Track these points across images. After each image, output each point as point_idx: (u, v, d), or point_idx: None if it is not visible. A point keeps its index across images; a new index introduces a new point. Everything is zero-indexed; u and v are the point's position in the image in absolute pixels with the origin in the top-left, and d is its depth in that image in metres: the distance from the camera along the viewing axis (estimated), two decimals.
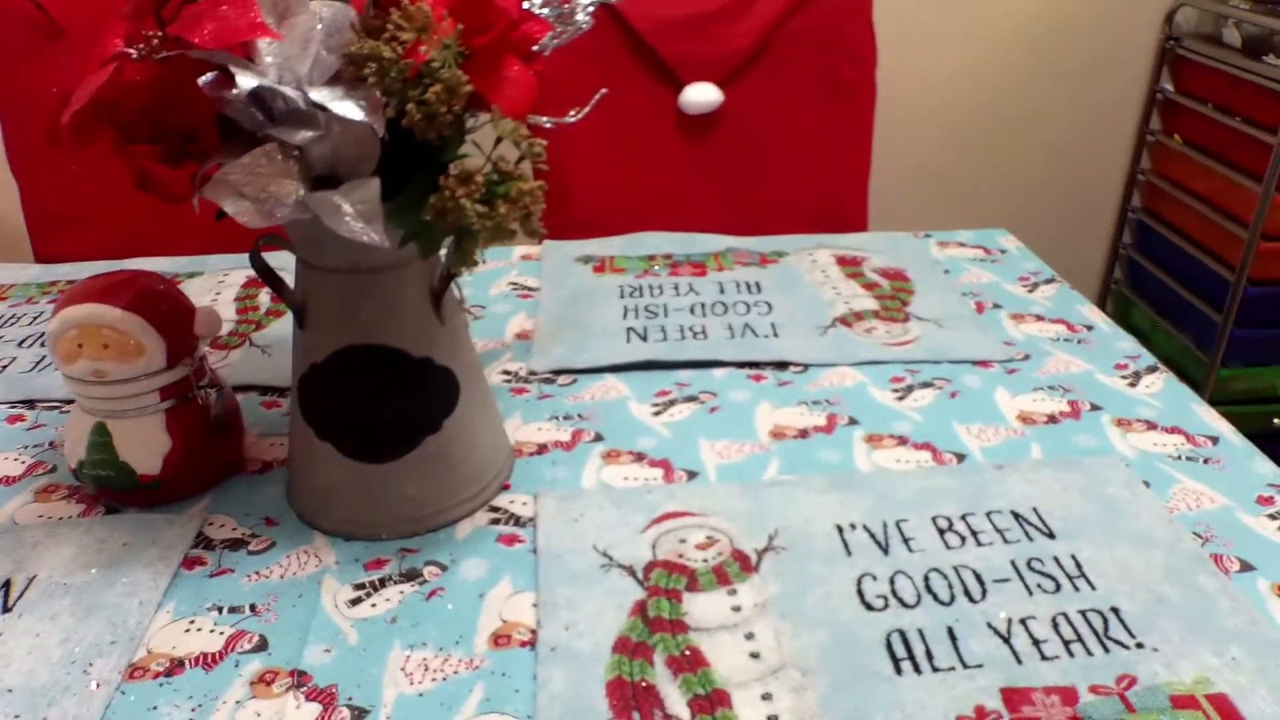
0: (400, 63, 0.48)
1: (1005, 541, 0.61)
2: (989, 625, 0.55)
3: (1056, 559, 0.59)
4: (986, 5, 1.75)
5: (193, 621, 0.56)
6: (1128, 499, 0.64)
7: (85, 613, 0.56)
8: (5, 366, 0.83)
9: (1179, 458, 0.69)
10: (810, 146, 1.28)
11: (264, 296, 0.95)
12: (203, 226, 0.61)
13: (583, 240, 1.05)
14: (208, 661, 0.53)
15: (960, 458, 0.70)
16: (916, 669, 0.52)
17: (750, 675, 0.52)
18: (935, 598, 0.57)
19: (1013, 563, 0.59)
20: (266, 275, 0.60)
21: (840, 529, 0.62)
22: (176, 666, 0.53)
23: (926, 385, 0.79)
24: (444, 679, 0.52)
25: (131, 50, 0.49)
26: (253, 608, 0.57)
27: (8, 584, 0.58)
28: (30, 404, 0.78)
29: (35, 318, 0.92)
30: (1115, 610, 0.55)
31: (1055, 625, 0.54)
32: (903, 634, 0.54)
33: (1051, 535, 0.61)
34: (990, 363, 0.82)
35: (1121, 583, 0.57)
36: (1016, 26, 1.77)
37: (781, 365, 0.82)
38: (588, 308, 0.91)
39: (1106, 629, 0.54)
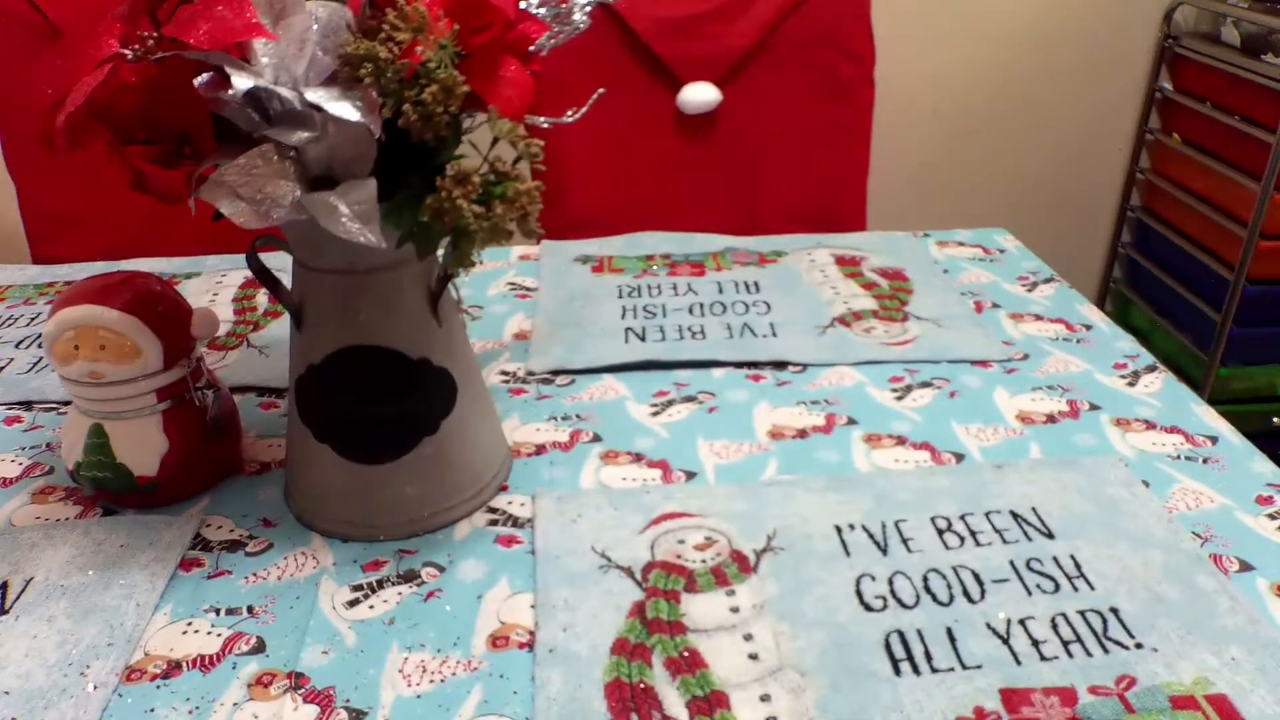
0: (396, 63, 0.48)
1: (1004, 541, 0.61)
2: (988, 626, 0.54)
3: (1055, 559, 0.59)
4: (985, 5, 1.75)
5: (190, 623, 0.56)
6: (1127, 499, 0.64)
7: (82, 615, 0.56)
8: (2, 368, 0.83)
9: (1178, 457, 0.69)
10: (809, 146, 1.28)
11: (261, 297, 0.95)
12: (199, 227, 0.61)
13: (581, 240, 1.05)
14: (205, 663, 0.53)
15: (959, 458, 0.70)
16: (915, 670, 0.52)
17: (749, 676, 0.51)
18: (934, 598, 0.56)
19: (1011, 563, 0.59)
20: (263, 276, 0.60)
21: (839, 529, 0.62)
22: (174, 668, 0.53)
23: (925, 385, 0.78)
24: (442, 680, 0.52)
25: (127, 51, 0.49)
26: (250, 609, 0.57)
27: (5, 586, 0.58)
28: (27, 405, 0.78)
29: (32, 319, 0.92)
30: (1114, 610, 0.55)
31: (1054, 625, 0.54)
32: (901, 635, 0.54)
33: (1050, 535, 0.61)
34: (989, 362, 0.82)
35: (1121, 583, 0.57)
36: (1015, 26, 1.77)
37: (780, 365, 0.82)
38: (586, 308, 0.91)
39: (1106, 629, 0.54)
